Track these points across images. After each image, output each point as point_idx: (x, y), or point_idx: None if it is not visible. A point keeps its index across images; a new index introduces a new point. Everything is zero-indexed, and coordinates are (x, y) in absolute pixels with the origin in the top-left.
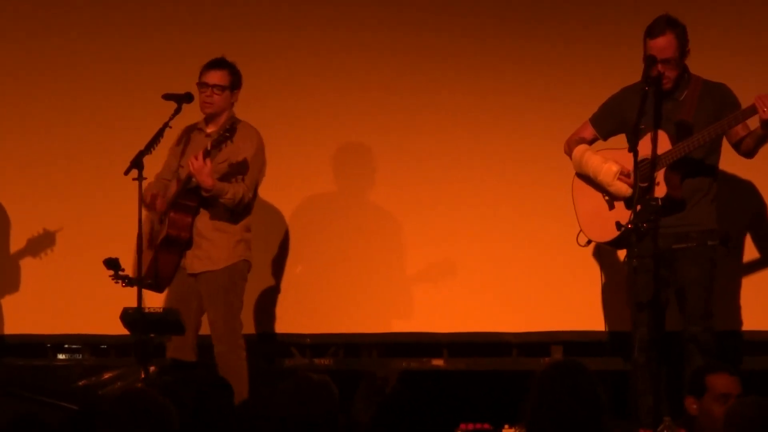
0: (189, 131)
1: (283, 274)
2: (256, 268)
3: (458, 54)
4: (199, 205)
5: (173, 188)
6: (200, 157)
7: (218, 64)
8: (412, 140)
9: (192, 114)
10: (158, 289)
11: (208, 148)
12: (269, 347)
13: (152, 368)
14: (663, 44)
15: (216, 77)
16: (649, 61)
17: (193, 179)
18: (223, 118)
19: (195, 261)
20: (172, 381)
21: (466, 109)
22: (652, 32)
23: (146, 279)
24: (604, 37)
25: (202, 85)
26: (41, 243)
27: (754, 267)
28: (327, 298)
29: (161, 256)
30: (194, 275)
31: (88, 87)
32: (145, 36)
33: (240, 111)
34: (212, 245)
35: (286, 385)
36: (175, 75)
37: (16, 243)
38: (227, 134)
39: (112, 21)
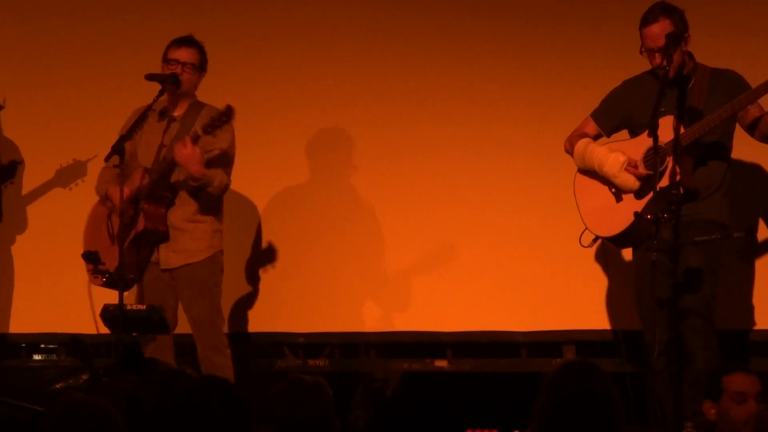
0: (141, 113)
1: (273, 269)
2: (244, 262)
3: (460, 44)
4: (173, 196)
5: (137, 176)
6: (189, 144)
7: (190, 41)
8: (416, 134)
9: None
10: (126, 287)
11: (199, 133)
12: (259, 347)
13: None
14: (657, 31)
15: (188, 54)
16: (670, 39)
17: (183, 168)
18: (186, 100)
19: (171, 255)
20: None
21: (474, 101)
22: (646, 20)
23: (132, 276)
24: (611, 30)
25: (171, 61)
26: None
27: (764, 262)
28: (322, 295)
29: (131, 252)
30: (170, 270)
31: (60, 69)
32: (124, 17)
33: (223, 99)
34: (189, 237)
35: (278, 388)
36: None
37: None
38: (224, 119)
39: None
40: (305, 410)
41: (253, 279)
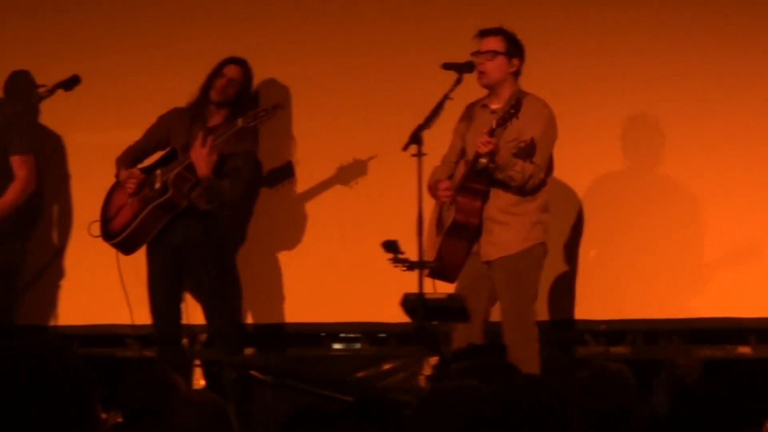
0: (472, 108)
1: (577, 257)
2: (549, 251)
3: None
4: (488, 189)
5: (460, 170)
6: (485, 136)
7: (490, 30)
8: (709, 127)
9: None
10: (447, 278)
11: (494, 126)
12: (563, 335)
13: (433, 358)
14: None
15: (487, 43)
16: None
17: (481, 159)
18: (506, 92)
19: (489, 247)
20: (464, 369)
21: None
22: None
23: (431, 263)
24: None
25: (475, 54)
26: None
27: None
28: (623, 282)
29: (448, 244)
30: (488, 262)
31: (363, 55)
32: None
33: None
34: (505, 230)
35: (581, 375)
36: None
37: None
38: (512, 111)
39: None
40: (608, 397)
41: (558, 268)
